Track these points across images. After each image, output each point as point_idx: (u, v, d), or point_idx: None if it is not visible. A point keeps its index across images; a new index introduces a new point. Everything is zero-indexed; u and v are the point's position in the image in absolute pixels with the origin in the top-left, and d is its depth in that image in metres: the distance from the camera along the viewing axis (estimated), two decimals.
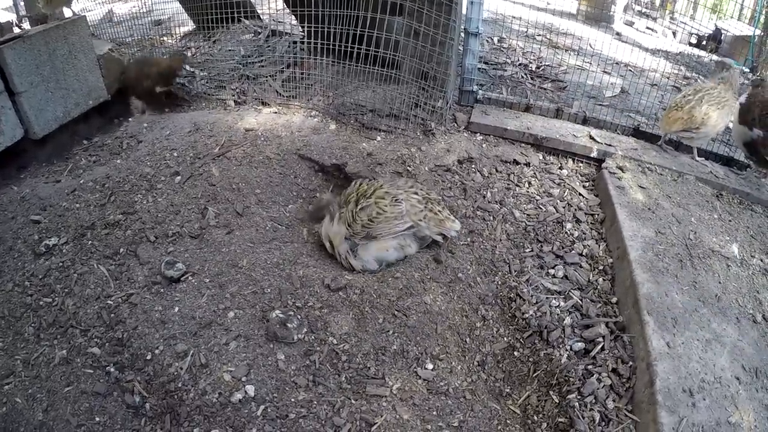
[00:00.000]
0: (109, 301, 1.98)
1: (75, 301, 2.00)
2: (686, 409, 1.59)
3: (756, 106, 2.70)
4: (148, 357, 1.79)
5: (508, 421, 1.74)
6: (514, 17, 3.84)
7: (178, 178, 2.46)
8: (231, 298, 1.95)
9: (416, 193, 2.15)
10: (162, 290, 1.98)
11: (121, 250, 2.16)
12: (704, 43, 6.19)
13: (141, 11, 4.40)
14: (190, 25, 4.39)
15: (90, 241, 2.20)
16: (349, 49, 2.86)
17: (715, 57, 5.65)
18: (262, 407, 1.65)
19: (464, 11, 2.88)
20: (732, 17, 6.48)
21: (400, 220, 2.06)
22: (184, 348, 1.79)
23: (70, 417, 1.72)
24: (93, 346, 1.88)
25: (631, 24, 6.57)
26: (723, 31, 6.15)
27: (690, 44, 6.32)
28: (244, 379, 1.71)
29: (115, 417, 1.72)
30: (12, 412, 1.74)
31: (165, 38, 4.28)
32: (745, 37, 5.87)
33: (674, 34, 6.61)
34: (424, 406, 1.72)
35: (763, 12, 5.79)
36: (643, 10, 7.33)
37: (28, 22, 3.89)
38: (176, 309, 1.91)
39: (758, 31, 5.70)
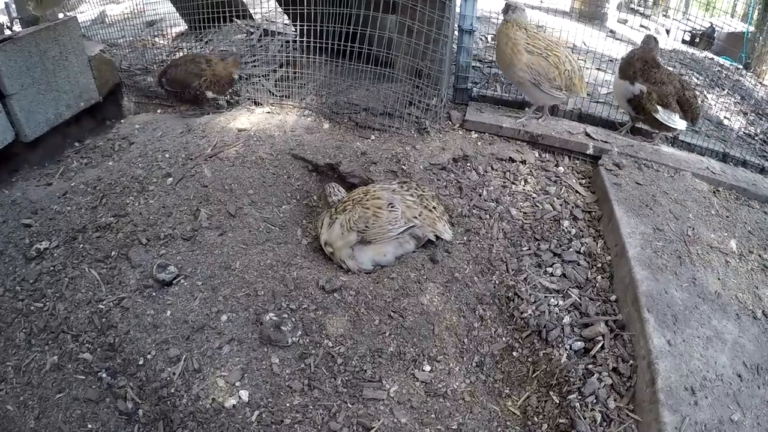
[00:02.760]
0: (100, 306, 1.95)
1: (66, 306, 1.97)
2: (688, 408, 1.57)
3: (637, 60, 2.65)
4: (141, 362, 1.76)
5: (507, 423, 1.71)
6: None
7: (170, 179, 2.43)
8: (224, 301, 1.92)
9: (411, 195, 2.15)
10: (154, 294, 1.95)
11: (113, 253, 2.13)
12: (697, 40, 6.20)
13: (133, 12, 4.36)
14: (182, 26, 4.36)
15: (81, 245, 2.17)
16: (342, 47, 2.83)
17: (709, 54, 5.66)
18: (257, 413, 1.63)
19: (458, 8, 2.85)
20: (725, 13, 6.49)
21: (395, 224, 2.06)
22: (176, 353, 1.76)
23: (62, 424, 1.69)
24: (84, 351, 1.85)
25: (624, 22, 6.58)
26: (717, 29, 6.16)
27: (683, 41, 6.33)
28: (237, 384, 1.68)
29: (107, 424, 1.69)
30: (3, 420, 1.71)
31: (157, 39, 4.24)
32: (739, 33, 5.88)
33: (668, 31, 6.62)
34: (422, 409, 1.69)
35: (756, 9, 5.81)
36: (637, 7, 7.33)
37: (19, 24, 3.84)
38: (168, 313, 1.88)
39: (751, 28, 5.72)
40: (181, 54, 3.53)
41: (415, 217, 2.09)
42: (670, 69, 3.16)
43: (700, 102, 2.76)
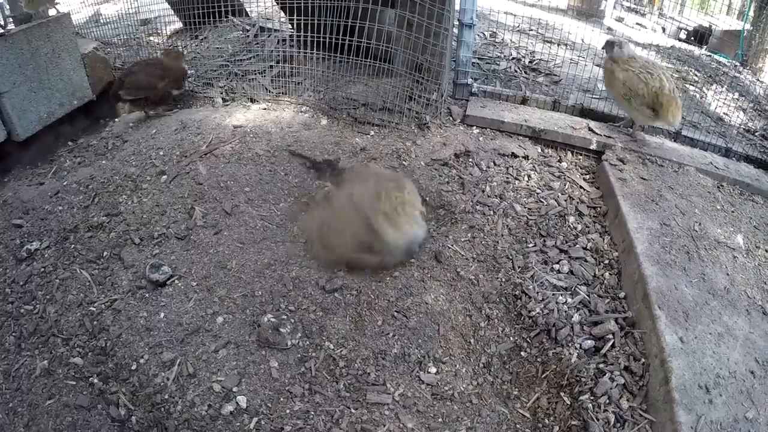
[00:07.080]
0: (91, 308, 1.88)
1: (57, 309, 1.91)
2: (703, 407, 1.53)
3: None
4: (133, 367, 1.69)
5: (517, 426, 1.65)
6: (504, 12, 3.82)
7: (164, 177, 2.36)
8: (220, 302, 1.85)
9: None
10: (147, 295, 1.88)
11: (105, 253, 2.06)
12: (692, 38, 6.20)
13: (128, 11, 4.29)
14: (177, 24, 4.29)
15: (73, 245, 2.11)
16: (340, 41, 2.77)
17: (706, 51, 5.66)
18: (256, 419, 1.56)
19: (458, 2, 2.80)
20: (720, 12, 6.51)
21: None
22: (170, 356, 1.69)
23: None
24: (75, 355, 1.78)
25: (621, 20, 6.59)
26: (713, 27, 6.17)
27: (679, 39, 6.33)
28: (235, 389, 1.61)
29: (99, 431, 1.61)
30: None
31: (152, 37, 4.17)
32: (734, 31, 5.89)
33: (663, 29, 6.63)
34: (428, 413, 1.63)
35: (752, 7, 5.81)
36: (632, 5, 7.34)
37: (12, 23, 3.77)
38: (162, 315, 1.81)
39: (747, 26, 5.72)
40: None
41: None
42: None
43: None
